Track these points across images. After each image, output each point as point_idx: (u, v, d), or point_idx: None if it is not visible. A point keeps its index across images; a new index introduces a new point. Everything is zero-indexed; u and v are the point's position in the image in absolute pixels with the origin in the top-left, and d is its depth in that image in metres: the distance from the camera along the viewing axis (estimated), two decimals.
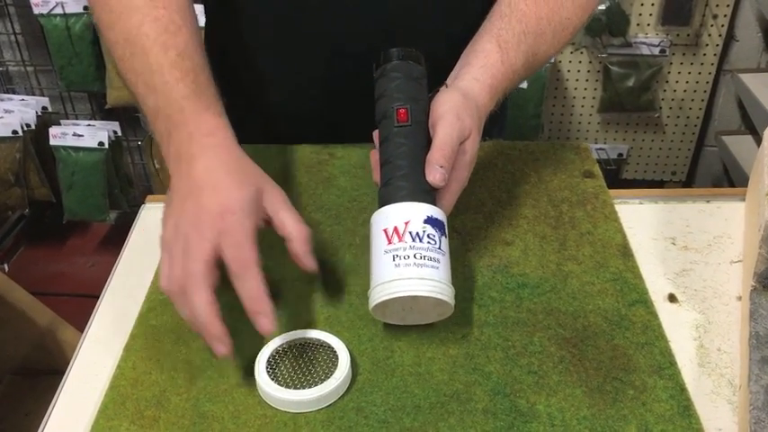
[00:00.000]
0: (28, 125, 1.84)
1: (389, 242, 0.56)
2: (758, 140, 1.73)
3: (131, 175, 2.03)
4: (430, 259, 0.55)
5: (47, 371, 1.44)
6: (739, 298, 0.64)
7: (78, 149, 1.82)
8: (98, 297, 0.67)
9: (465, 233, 0.71)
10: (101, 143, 1.81)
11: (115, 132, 1.86)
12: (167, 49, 0.62)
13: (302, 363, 0.57)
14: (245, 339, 0.56)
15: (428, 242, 0.56)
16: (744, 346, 0.57)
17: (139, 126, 1.97)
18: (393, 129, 0.60)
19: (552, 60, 1.70)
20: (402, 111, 0.60)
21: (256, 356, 0.57)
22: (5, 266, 1.99)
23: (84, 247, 2.07)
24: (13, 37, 1.91)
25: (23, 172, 1.86)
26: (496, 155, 0.82)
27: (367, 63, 0.68)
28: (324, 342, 0.58)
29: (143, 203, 0.79)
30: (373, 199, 0.75)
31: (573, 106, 1.87)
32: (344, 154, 0.83)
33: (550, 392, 0.55)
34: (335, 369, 0.55)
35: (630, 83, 1.76)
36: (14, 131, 1.81)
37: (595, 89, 1.83)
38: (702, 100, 1.83)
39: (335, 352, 0.57)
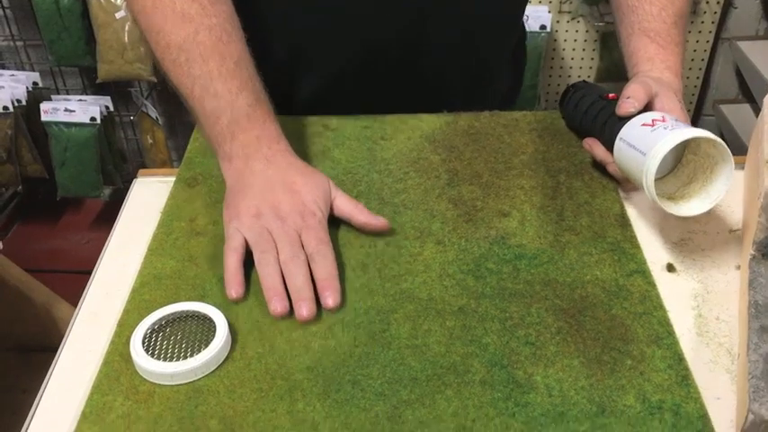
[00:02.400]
0: (19, 101, 1.82)
1: (653, 125, 0.62)
2: (756, 109, 1.72)
3: (125, 150, 2.01)
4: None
5: (43, 348, 1.44)
6: (738, 267, 0.63)
7: (70, 125, 1.80)
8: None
9: (461, 204, 0.70)
10: (93, 118, 1.79)
11: (107, 107, 1.84)
12: (224, 58, 0.67)
13: (179, 335, 0.57)
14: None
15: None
16: (743, 314, 0.57)
17: (131, 101, 1.95)
18: (604, 102, 0.71)
19: (548, 30, 1.68)
20: (609, 94, 0.72)
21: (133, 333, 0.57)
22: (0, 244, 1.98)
23: (79, 224, 2.06)
24: (1, 11, 1.88)
25: (15, 148, 1.84)
26: (493, 125, 0.81)
27: (398, 49, 0.78)
28: (201, 313, 0.58)
29: (136, 177, 0.78)
30: (368, 170, 0.74)
31: (569, 76, 1.85)
32: (339, 126, 0.82)
33: (548, 363, 0.54)
34: (213, 339, 0.55)
35: None
36: (5, 107, 1.79)
37: (592, 59, 1.81)
38: (700, 68, 1.82)
39: (213, 322, 0.57)
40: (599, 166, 0.73)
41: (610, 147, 0.68)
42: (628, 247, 0.64)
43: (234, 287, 0.60)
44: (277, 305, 0.58)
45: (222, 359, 0.55)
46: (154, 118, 1.86)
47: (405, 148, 0.78)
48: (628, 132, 0.65)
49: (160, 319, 0.58)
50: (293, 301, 0.58)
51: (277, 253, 0.61)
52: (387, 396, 0.52)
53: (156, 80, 1.73)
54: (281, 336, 0.57)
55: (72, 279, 1.84)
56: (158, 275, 0.63)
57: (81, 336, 0.60)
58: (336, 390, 0.53)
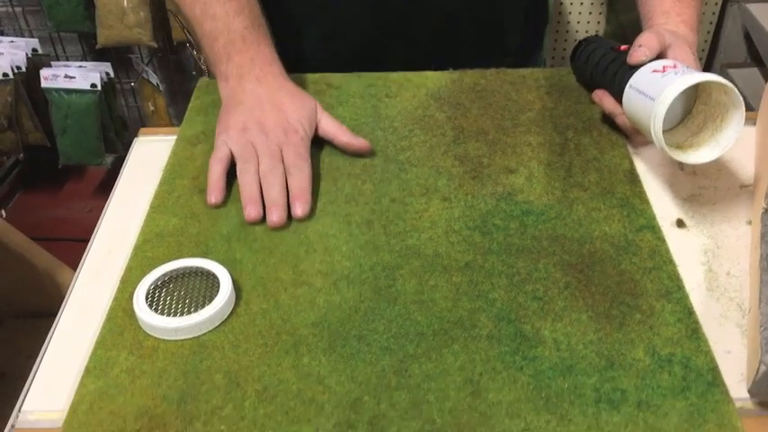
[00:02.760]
0: (18, 68, 1.80)
1: (663, 71, 0.62)
2: (765, 73, 1.69)
3: (126, 117, 2.00)
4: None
5: (47, 313, 1.44)
6: (749, 222, 0.62)
7: (71, 92, 1.78)
8: None
9: (467, 161, 0.69)
10: (93, 85, 1.77)
11: (108, 74, 1.82)
12: None
13: (182, 291, 0.56)
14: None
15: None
16: (754, 269, 0.56)
17: (132, 67, 1.93)
18: (615, 53, 0.71)
19: None
20: (620, 46, 0.71)
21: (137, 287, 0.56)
22: (2, 212, 1.97)
23: (82, 192, 2.05)
24: None
25: (16, 116, 1.82)
26: (500, 83, 0.79)
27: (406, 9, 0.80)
28: (205, 269, 0.57)
29: (136, 137, 0.77)
30: (373, 128, 0.73)
31: (575, 40, 1.82)
32: (342, 83, 0.80)
33: (556, 318, 0.54)
34: (216, 294, 0.55)
35: (634, 15, 1.71)
36: (5, 74, 1.77)
37: (599, 22, 1.78)
38: (708, 32, 1.79)
39: (217, 278, 0.56)
40: (608, 122, 0.72)
41: (620, 97, 0.67)
42: (637, 203, 0.63)
43: (214, 193, 0.65)
44: (251, 210, 0.63)
45: (226, 315, 0.55)
46: (155, 84, 1.84)
47: (410, 106, 0.77)
48: (638, 79, 0.63)
49: (163, 275, 0.57)
50: (266, 208, 0.63)
51: (258, 164, 0.65)
52: (393, 351, 0.52)
53: (156, 45, 1.71)
54: (285, 292, 0.56)
55: (75, 247, 1.83)
56: (161, 233, 0.62)
57: (84, 293, 0.59)
58: (342, 345, 0.52)
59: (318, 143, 0.71)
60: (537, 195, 0.65)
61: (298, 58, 0.81)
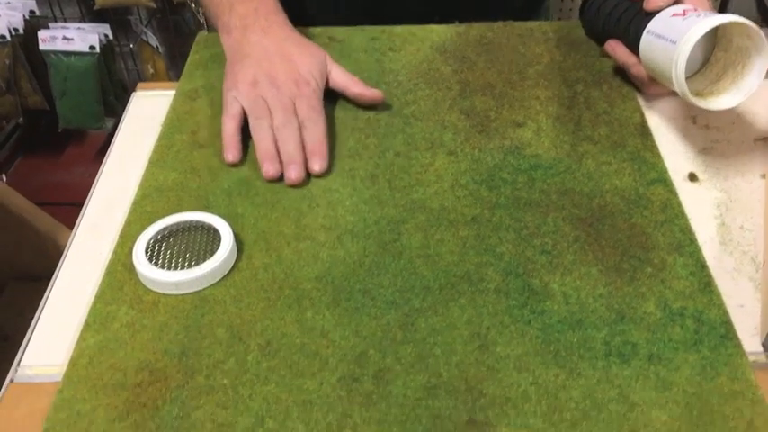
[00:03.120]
0: (16, 29, 1.77)
1: (684, 14, 0.60)
2: None
3: (125, 81, 1.97)
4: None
5: (49, 276, 1.44)
6: (763, 176, 0.61)
7: (69, 54, 1.76)
8: None
9: (473, 115, 0.67)
10: (92, 47, 1.75)
11: (106, 36, 1.80)
12: None
13: (183, 245, 0.55)
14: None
15: None
16: None
17: (131, 30, 1.90)
18: (629, 2, 0.68)
19: None
20: None
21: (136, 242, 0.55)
22: (3, 177, 1.96)
23: (82, 157, 2.03)
24: None
25: (14, 79, 1.80)
26: (507, 36, 0.77)
27: None
28: (206, 224, 0.56)
29: (134, 91, 0.75)
30: (376, 82, 0.71)
31: None
32: (345, 37, 0.78)
33: (565, 272, 0.52)
34: (218, 248, 0.54)
35: None
36: (2, 36, 1.75)
37: None
38: None
39: (218, 232, 0.55)
40: (619, 75, 0.70)
41: (634, 47, 0.65)
42: (648, 157, 0.62)
43: (231, 151, 0.62)
44: (269, 168, 0.60)
45: (228, 269, 0.53)
46: (154, 47, 1.82)
47: (414, 60, 0.74)
48: (656, 24, 0.61)
49: (163, 229, 0.56)
50: (284, 165, 0.61)
51: (272, 119, 0.62)
52: (398, 304, 0.51)
53: (155, 6, 1.68)
54: (288, 246, 0.55)
55: (75, 212, 1.83)
56: (160, 187, 0.61)
57: (82, 248, 0.58)
58: (346, 299, 0.51)
59: (324, 95, 0.69)
60: (545, 149, 0.63)
61: (300, 12, 0.78)
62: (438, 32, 0.78)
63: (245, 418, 0.44)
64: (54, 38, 1.75)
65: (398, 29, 0.79)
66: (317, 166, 0.61)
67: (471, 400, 0.45)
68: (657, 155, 0.62)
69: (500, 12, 0.80)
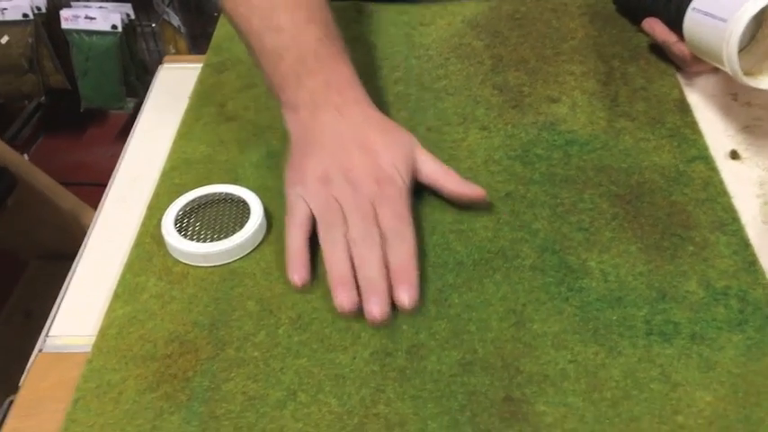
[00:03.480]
0: (38, 8, 1.77)
1: None
2: None
3: (147, 61, 1.97)
4: None
5: (72, 255, 1.44)
6: None
7: (91, 33, 1.76)
8: None
9: (506, 90, 0.65)
10: (114, 26, 1.74)
11: (128, 15, 1.79)
12: None
13: (212, 217, 0.54)
14: None
15: None
16: None
17: (153, 9, 1.89)
18: None
19: None
20: None
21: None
22: (25, 156, 1.97)
23: (103, 137, 2.04)
24: None
25: (37, 58, 1.80)
26: (540, 10, 0.75)
27: None
28: (234, 196, 0.55)
29: (162, 64, 0.74)
30: (406, 56, 0.70)
31: None
32: (374, 11, 0.77)
33: (603, 249, 0.51)
34: (247, 221, 0.52)
35: None
36: (25, 15, 1.75)
37: None
38: None
39: (247, 203, 0.54)
40: (656, 51, 0.68)
41: (675, 25, 0.63)
42: (688, 133, 0.60)
43: (298, 271, 0.49)
44: (344, 298, 0.47)
45: (257, 242, 0.53)
46: (176, 26, 1.81)
47: (445, 34, 0.73)
48: (702, 1, 0.59)
49: (192, 201, 0.55)
50: (363, 294, 0.47)
51: (346, 228, 0.50)
52: (431, 280, 0.50)
53: None
54: None
55: (97, 191, 1.83)
56: (188, 159, 0.60)
57: (110, 220, 0.58)
58: None
59: None
60: (581, 125, 0.61)
61: None
62: (469, 7, 0.76)
63: (276, 391, 0.44)
64: (76, 17, 1.74)
65: (429, 4, 0.77)
66: (404, 296, 0.47)
67: (508, 377, 0.44)
68: (698, 132, 0.60)
69: None
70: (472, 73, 0.68)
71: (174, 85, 0.71)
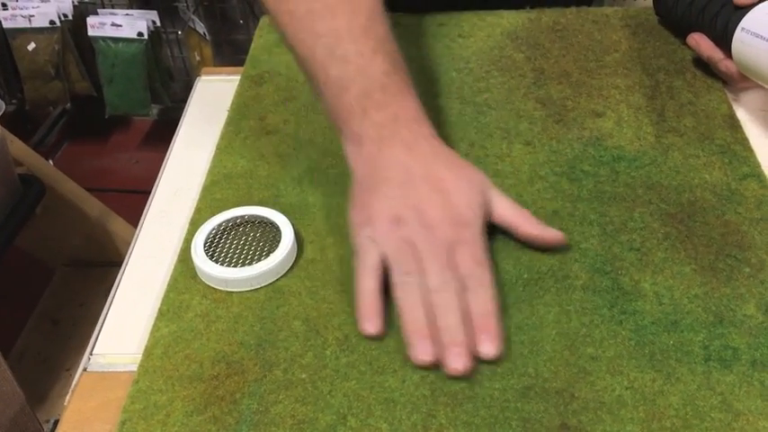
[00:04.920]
0: (65, 15, 1.78)
1: None
2: None
3: (172, 68, 1.97)
4: None
5: (99, 262, 1.44)
6: None
7: (117, 40, 1.76)
8: (144, 192, 0.62)
9: (549, 104, 0.64)
10: (140, 33, 1.75)
11: (154, 23, 1.79)
12: (356, 12, 0.53)
13: (243, 241, 0.53)
14: None
15: None
16: None
17: (178, 16, 1.90)
18: None
19: None
20: None
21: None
22: (50, 162, 1.98)
23: (128, 143, 2.04)
24: None
25: (63, 64, 1.81)
26: (581, 21, 0.74)
27: None
28: (267, 219, 0.54)
29: (199, 76, 0.73)
30: (446, 69, 0.69)
31: None
32: (410, 23, 0.76)
33: (656, 270, 0.50)
34: (277, 247, 0.51)
35: None
36: (52, 22, 1.76)
37: None
38: None
39: (279, 229, 0.52)
40: (702, 65, 0.67)
41: (722, 42, 0.61)
42: (739, 150, 0.58)
43: (372, 321, 0.47)
44: (422, 351, 0.45)
45: (283, 271, 0.51)
46: (201, 33, 1.81)
47: (485, 46, 0.72)
48: (752, 21, 0.58)
49: (227, 221, 0.54)
50: (444, 346, 0.45)
51: (424, 276, 0.47)
52: None
53: None
54: None
55: (122, 198, 1.84)
56: (229, 174, 0.60)
57: (151, 234, 0.57)
58: None
59: None
60: (628, 140, 0.60)
61: None
62: (508, 18, 0.75)
63: (326, 414, 0.43)
64: (102, 24, 1.75)
65: (466, 14, 0.77)
66: (487, 348, 0.45)
67: (563, 403, 0.43)
68: (749, 148, 0.59)
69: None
70: (514, 86, 0.67)
71: (212, 98, 0.70)
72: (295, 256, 0.52)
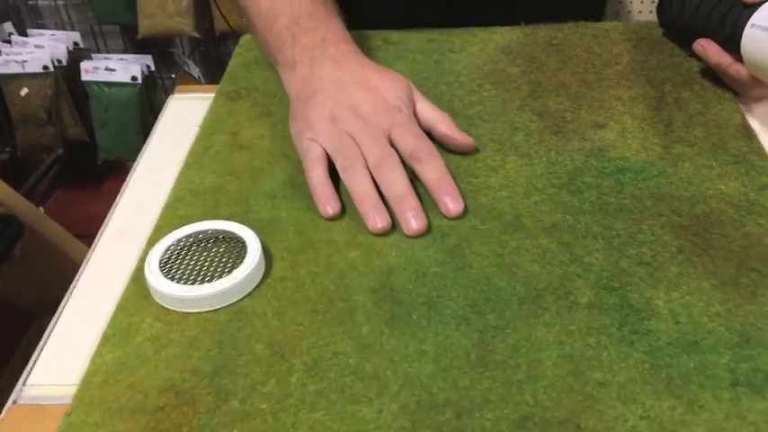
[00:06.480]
0: (59, 61, 1.77)
1: None
2: None
3: None
4: None
5: None
6: None
7: (111, 85, 1.74)
8: None
9: (547, 116, 0.59)
10: (134, 77, 1.73)
11: (148, 67, 1.78)
12: None
13: (204, 257, 0.47)
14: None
15: None
16: None
17: (173, 61, 1.88)
18: None
19: None
20: None
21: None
22: (41, 209, 1.93)
23: (121, 189, 2.00)
24: None
25: (56, 110, 1.79)
26: (579, 36, 0.70)
27: None
28: (232, 234, 0.48)
29: (172, 94, 0.69)
30: (435, 83, 0.64)
31: None
32: (401, 39, 0.72)
33: (670, 286, 0.44)
34: (241, 263, 0.45)
35: None
36: (45, 67, 1.74)
37: None
38: None
39: (245, 243, 0.47)
40: (711, 76, 0.62)
41: (730, 43, 0.57)
42: (756, 160, 0.53)
43: (329, 202, 0.50)
44: (377, 219, 0.48)
45: (247, 291, 0.45)
46: (196, 77, 1.79)
47: (477, 61, 0.68)
48: (764, 16, 0.53)
49: (187, 236, 0.48)
50: (397, 213, 0.49)
51: (364, 159, 0.51)
52: (470, 321, 0.42)
53: (198, 35, 1.66)
54: (338, 254, 0.48)
55: None
56: (195, 190, 0.54)
57: (106, 256, 0.52)
58: (407, 313, 0.43)
59: None
60: (633, 151, 0.55)
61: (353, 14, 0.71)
62: (502, 33, 0.71)
63: None
64: (96, 68, 1.73)
65: (458, 31, 0.73)
66: (452, 205, 0.49)
67: None
68: (766, 158, 0.53)
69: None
70: (508, 99, 0.62)
71: (184, 116, 0.65)
72: (262, 273, 0.46)
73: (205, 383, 0.40)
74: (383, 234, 0.49)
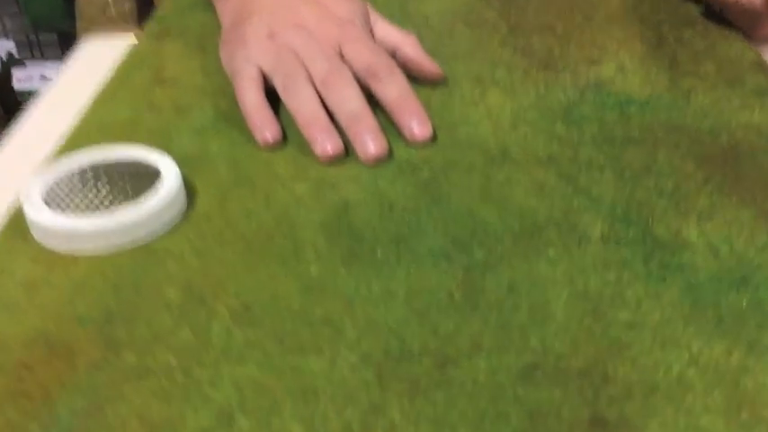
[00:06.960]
0: None
1: None
2: None
3: None
4: None
5: None
6: None
7: None
8: None
9: (532, 53, 0.51)
10: None
11: None
12: None
13: (104, 188, 0.36)
14: None
15: None
16: None
17: None
18: None
19: None
20: None
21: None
22: None
23: None
24: None
25: None
26: None
27: None
28: (144, 163, 0.37)
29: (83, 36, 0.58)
30: (403, 26, 0.55)
31: None
32: None
33: (702, 217, 0.35)
34: (155, 194, 0.35)
35: None
36: None
37: None
38: None
39: (159, 173, 0.36)
40: (714, 17, 0.54)
41: None
42: None
43: (266, 127, 0.41)
44: (326, 143, 0.39)
45: (159, 227, 0.34)
46: None
47: (448, 6, 0.59)
48: None
49: (83, 165, 0.37)
50: (351, 136, 0.40)
51: (309, 73, 0.42)
52: (452, 257, 0.33)
53: None
54: (283, 187, 0.38)
55: None
56: (103, 124, 0.44)
57: None
58: (370, 250, 0.33)
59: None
60: (637, 85, 0.46)
61: None
62: None
63: (199, 414, 0.25)
64: (30, 77, 1.61)
65: None
66: (419, 129, 0.40)
67: (591, 388, 0.26)
68: None
69: None
70: (486, 38, 0.53)
71: (97, 61, 0.55)
72: (180, 209, 0.36)
73: (90, 334, 0.29)
74: (336, 163, 0.39)
